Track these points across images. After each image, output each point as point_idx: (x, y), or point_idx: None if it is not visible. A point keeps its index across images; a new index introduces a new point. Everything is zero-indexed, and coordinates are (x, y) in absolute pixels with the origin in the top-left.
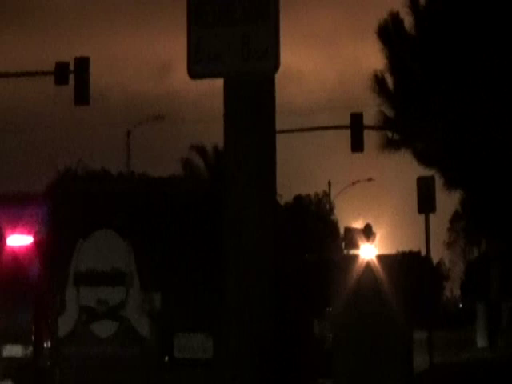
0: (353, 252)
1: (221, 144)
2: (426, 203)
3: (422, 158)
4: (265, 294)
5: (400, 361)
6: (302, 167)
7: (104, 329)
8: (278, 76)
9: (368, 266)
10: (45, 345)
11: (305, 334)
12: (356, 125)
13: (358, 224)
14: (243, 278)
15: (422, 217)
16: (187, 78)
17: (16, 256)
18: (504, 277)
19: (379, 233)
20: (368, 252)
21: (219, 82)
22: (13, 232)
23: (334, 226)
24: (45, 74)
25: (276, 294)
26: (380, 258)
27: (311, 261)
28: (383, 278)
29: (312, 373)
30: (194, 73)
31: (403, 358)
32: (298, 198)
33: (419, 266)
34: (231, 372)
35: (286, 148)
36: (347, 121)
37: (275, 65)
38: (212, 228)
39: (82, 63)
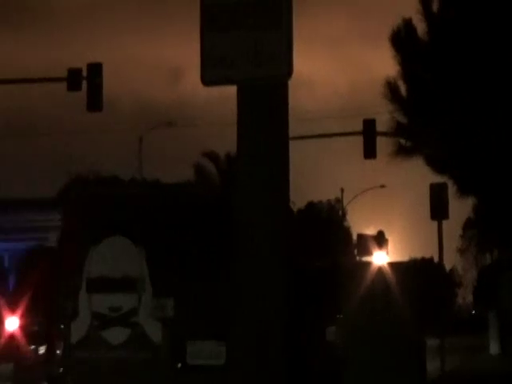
0: (365, 258)
1: (233, 150)
2: (438, 210)
3: (435, 165)
4: (277, 301)
5: (413, 368)
6: (315, 174)
7: (116, 335)
8: (290, 82)
9: (380, 272)
10: (57, 351)
11: (317, 341)
12: (369, 131)
13: (371, 230)
14: (256, 285)
15: (435, 223)
16: (200, 83)
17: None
18: None
19: (392, 239)
20: (380, 259)
21: (232, 88)
22: (24, 238)
23: (346, 232)
24: (57, 80)
25: (288, 301)
26: (392, 264)
27: (324, 267)
28: (396, 285)
29: (324, 380)
30: (207, 79)
31: (416, 365)
32: (311, 205)
33: (432, 272)
34: (244, 379)
35: (298, 155)
36: (360, 127)
37: (288, 71)
38: (224, 234)
39: (95, 69)
